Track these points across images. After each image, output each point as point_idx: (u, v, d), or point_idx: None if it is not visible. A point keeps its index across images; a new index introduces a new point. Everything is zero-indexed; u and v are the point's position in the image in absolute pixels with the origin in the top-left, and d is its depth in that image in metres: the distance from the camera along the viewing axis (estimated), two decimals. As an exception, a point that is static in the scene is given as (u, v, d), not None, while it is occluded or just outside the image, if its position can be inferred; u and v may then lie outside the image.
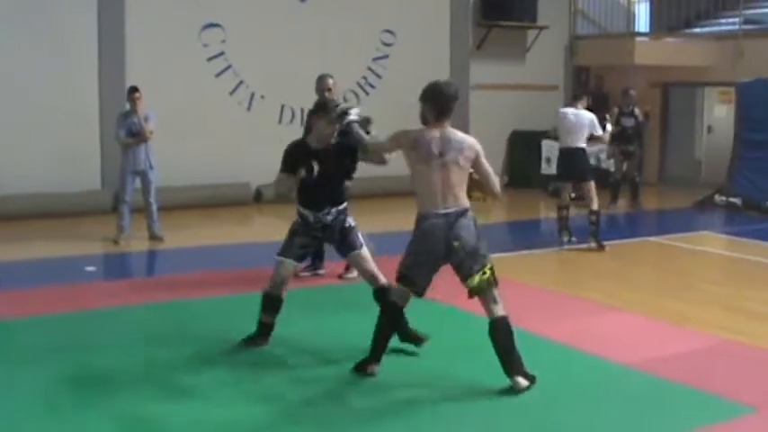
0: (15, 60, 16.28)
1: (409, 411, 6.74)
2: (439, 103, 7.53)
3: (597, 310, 9.88)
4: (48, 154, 16.41)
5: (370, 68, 20.07)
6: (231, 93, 18.37)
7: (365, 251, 8.32)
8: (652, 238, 14.92)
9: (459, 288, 7.44)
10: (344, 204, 8.38)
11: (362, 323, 7.85)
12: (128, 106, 13.72)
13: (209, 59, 18.21)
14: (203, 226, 15.89)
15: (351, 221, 8.34)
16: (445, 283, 7.86)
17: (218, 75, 18.29)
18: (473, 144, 7.51)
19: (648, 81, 21.84)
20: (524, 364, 7.12)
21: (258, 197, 18.28)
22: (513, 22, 21.27)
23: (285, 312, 8.25)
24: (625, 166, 18.37)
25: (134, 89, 13.68)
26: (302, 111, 18.25)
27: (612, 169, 18.91)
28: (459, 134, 7.53)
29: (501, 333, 7.13)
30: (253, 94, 18.61)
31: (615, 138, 18.33)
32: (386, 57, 20.22)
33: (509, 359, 7.09)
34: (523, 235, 14.35)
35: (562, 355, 8.14)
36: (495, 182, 7.79)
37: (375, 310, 7.66)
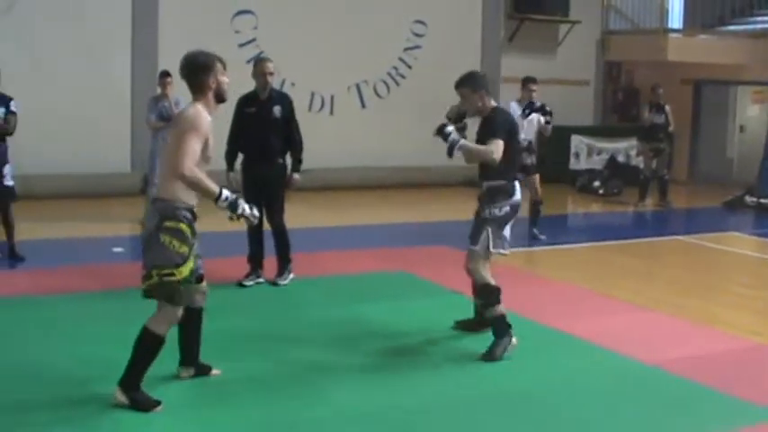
0: (50, 43, 16.37)
1: (438, 406, 6.72)
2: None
3: (624, 308, 9.82)
4: (79, 135, 16.48)
5: (400, 58, 20.05)
6: (262, 79, 18.36)
7: None
8: (680, 237, 14.84)
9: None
10: None
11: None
12: (159, 90, 13.74)
13: (241, 46, 18.23)
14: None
15: None
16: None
17: (249, 61, 18.24)
18: None
19: (681, 78, 21.73)
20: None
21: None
22: (545, 15, 21.24)
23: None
24: (654, 164, 18.22)
25: (166, 74, 13.69)
26: (332, 98, 18.32)
27: (642, 166, 18.81)
28: None
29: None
30: (283, 81, 18.58)
31: (645, 135, 18.25)
32: (417, 47, 20.20)
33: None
34: (550, 230, 14.28)
35: (587, 353, 8.09)
36: None
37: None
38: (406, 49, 20.13)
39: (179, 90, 13.92)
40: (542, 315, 9.10)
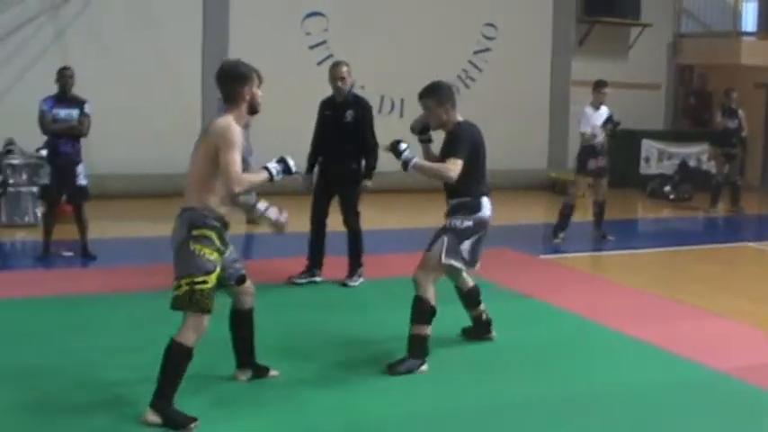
0: (123, 47, 16.59)
1: (507, 409, 6.72)
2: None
3: (693, 314, 9.73)
4: (150, 137, 16.66)
5: (470, 61, 20.05)
6: (332, 82, 18.45)
7: None
8: (752, 244, 14.68)
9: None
10: None
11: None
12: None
13: (312, 48, 18.35)
14: (296, 212, 16.00)
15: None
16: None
17: (319, 63, 18.38)
18: None
19: (753, 82, 21.47)
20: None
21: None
22: (615, 18, 21.10)
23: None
24: (726, 169, 18.03)
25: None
26: (402, 101, 18.33)
27: (713, 171, 18.63)
28: None
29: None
30: (353, 84, 18.62)
31: (717, 139, 18.08)
32: (487, 50, 20.17)
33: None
34: (620, 234, 14.21)
35: (656, 358, 8.04)
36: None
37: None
38: (476, 52, 20.12)
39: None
40: (610, 319, 9.06)
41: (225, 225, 6.38)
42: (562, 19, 20.98)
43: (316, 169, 10.52)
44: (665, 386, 7.31)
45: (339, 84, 10.68)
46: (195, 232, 6.18)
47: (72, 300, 9.32)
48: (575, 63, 21.00)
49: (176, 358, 6.14)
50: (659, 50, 22.36)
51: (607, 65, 21.08)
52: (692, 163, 21.10)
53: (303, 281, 10.31)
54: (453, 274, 7.83)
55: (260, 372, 7.09)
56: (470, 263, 7.59)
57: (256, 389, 6.89)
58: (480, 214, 7.55)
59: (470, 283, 8.08)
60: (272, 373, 7.14)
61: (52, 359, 7.41)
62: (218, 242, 6.26)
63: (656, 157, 21.24)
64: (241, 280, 6.74)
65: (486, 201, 7.62)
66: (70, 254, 11.87)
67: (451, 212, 7.60)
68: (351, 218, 10.39)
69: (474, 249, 7.54)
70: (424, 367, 7.34)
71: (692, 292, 10.87)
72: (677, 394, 7.15)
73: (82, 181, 11.56)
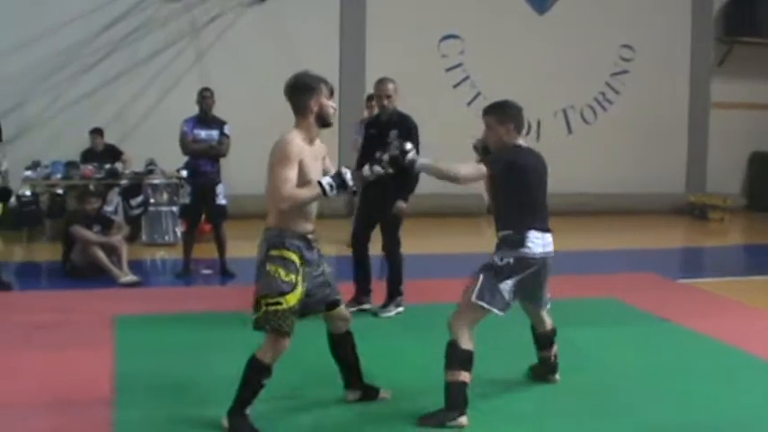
0: (261, 68, 16.80)
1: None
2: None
3: None
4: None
5: (608, 83, 19.87)
6: (469, 104, 18.50)
7: None
8: None
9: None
10: None
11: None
12: (365, 114, 13.95)
13: (448, 70, 18.40)
14: (439, 234, 16.07)
15: None
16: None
17: (455, 85, 18.47)
18: None
19: None
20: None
21: (489, 209, 18.29)
22: (757, 38, 20.63)
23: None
24: None
25: (372, 97, 13.91)
26: (538, 122, 18.29)
27: None
28: None
29: None
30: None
31: None
32: (625, 72, 19.97)
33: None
34: (761, 259, 13.90)
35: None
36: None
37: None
38: (613, 74, 19.94)
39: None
40: (752, 345, 8.85)
41: (308, 242, 6.34)
42: (701, 39, 20.63)
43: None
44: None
45: (385, 102, 10.13)
46: (273, 252, 6.20)
47: (212, 317, 9.47)
48: (714, 84, 20.66)
49: (253, 374, 6.24)
50: (802, 70, 21.86)
51: (748, 86, 20.74)
52: None
53: (352, 309, 9.04)
54: (528, 311, 7.29)
55: (369, 393, 6.95)
56: (507, 307, 6.70)
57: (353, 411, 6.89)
58: (524, 250, 6.69)
59: (548, 324, 7.39)
60: (383, 394, 6.99)
61: (191, 373, 7.54)
62: (297, 264, 6.20)
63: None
64: (332, 305, 6.66)
65: (533, 235, 6.73)
66: (209, 272, 12.09)
67: (496, 247, 6.84)
68: (388, 242, 9.91)
69: (515, 291, 6.69)
70: (461, 419, 6.48)
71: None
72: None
73: (221, 200, 11.77)
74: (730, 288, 12.00)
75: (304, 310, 6.33)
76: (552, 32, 19.00)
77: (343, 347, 6.86)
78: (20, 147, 15.67)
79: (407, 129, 9.87)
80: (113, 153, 15.16)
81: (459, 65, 18.56)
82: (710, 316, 10.18)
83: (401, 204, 9.83)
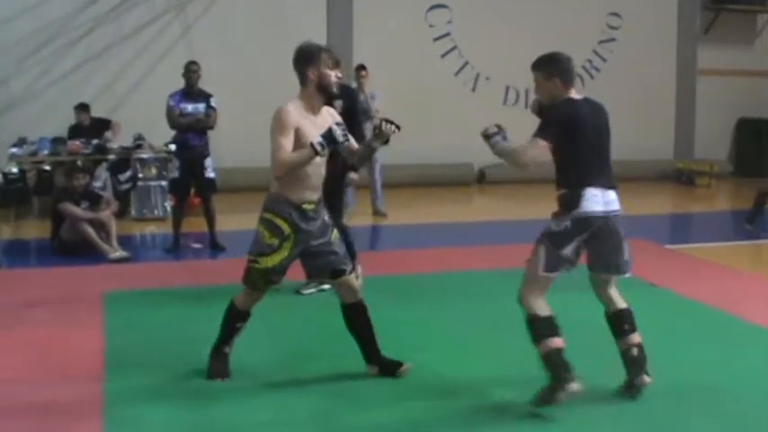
0: (248, 42, 16.84)
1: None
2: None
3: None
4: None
5: (595, 51, 19.88)
6: (456, 73, 18.54)
7: None
8: None
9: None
10: None
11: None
12: (354, 84, 13.93)
13: (435, 40, 18.40)
14: (425, 204, 16.08)
15: None
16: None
17: (443, 55, 18.45)
18: None
19: None
20: None
21: (481, 178, 18.32)
22: (742, 5, 20.67)
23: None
24: None
25: (361, 67, 13.93)
26: (527, 92, 18.27)
27: None
28: None
29: None
30: (478, 75, 18.69)
31: None
32: (612, 40, 20.00)
33: None
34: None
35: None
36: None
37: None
38: (600, 42, 19.95)
39: (375, 83, 14.22)
40: (741, 309, 8.87)
41: (303, 212, 6.47)
42: (687, 7, 20.66)
43: None
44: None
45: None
46: (265, 215, 6.49)
47: (202, 291, 9.47)
48: (700, 51, 20.67)
49: (230, 315, 6.78)
50: (789, 37, 21.86)
51: (734, 53, 20.76)
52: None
53: (310, 291, 9.29)
54: (594, 284, 6.68)
55: (388, 367, 6.86)
56: (573, 266, 6.34)
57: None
58: (581, 210, 6.21)
59: (619, 302, 6.71)
60: (404, 368, 6.86)
61: (181, 347, 7.55)
62: (285, 231, 6.42)
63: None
64: (337, 273, 6.70)
65: (590, 192, 6.24)
66: (199, 246, 12.10)
67: (555, 210, 6.38)
68: (334, 216, 8.77)
69: (577, 252, 6.30)
70: (573, 386, 6.09)
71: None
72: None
73: (210, 174, 11.77)
74: (717, 253, 12.07)
75: (311, 272, 6.80)
76: (539, 1, 18.97)
77: (354, 319, 6.86)
78: (6, 123, 15.65)
79: (351, 99, 9.76)
80: (101, 126, 15.09)
81: (446, 34, 18.54)
82: (698, 281, 10.23)
83: (354, 175, 9.73)
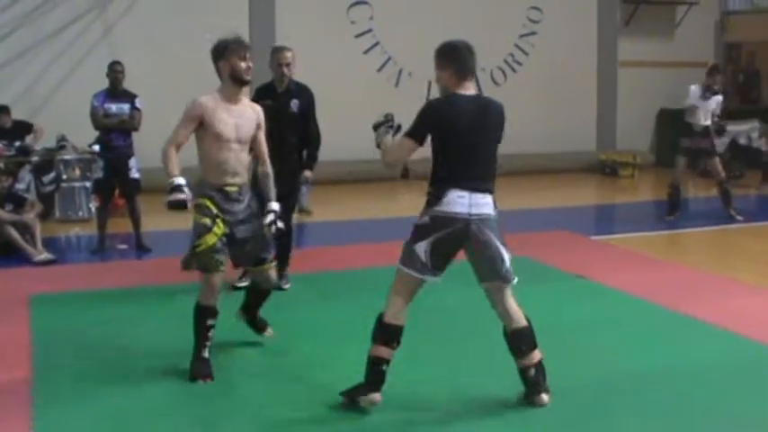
0: (171, 40, 16.73)
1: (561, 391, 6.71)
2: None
3: (746, 291, 9.68)
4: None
5: (516, 45, 20.00)
6: (379, 69, 18.58)
7: None
8: (803, 220, 14.56)
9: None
10: None
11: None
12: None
13: (357, 36, 18.41)
14: (351, 201, 16.12)
15: None
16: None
17: (366, 51, 18.48)
18: None
19: (803, 58, 21.28)
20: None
21: (405, 174, 18.39)
22: (661, -2, 20.95)
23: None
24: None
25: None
26: (448, 87, 18.30)
27: (764, 149, 18.50)
28: None
29: None
30: (401, 71, 18.73)
31: (766, 116, 17.96)
32: (533, 33, 20.12)
33: None
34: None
35: (709, 336, 8.00)
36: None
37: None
38: (521, 36, 20.07)
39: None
40: (663, 298, 9.05)
41: (225, 194, 6.95)
42: (607, 0, 20.86)
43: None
44: (722, 364, 7.27)
45: (285, 70, 9.52)
46: (197, 201, 6.95)
47: (128, 292, 9.44)
48: (621, 43, 20.90)
49: (199, 317, 6.91)
50: (706, 29, 22.12)
51: (654, 44, 21.02)
52: (742, 141, 20.84)
53: (244, 284, 8.82)
54: (490, 299, 6.39)
55: (259, 324, 7.65)
56: (427, 269, 6.06)
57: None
58: (438, 208, 6.03)
59: (517, 320, 6.38)
60: (268, 332, 7.66)
61: (109, 349, 7.55)
62: (212, 210, 6.88)
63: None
64: (259, 262, 7.17)
65: (453, 194, 6.01)
66: (125, 247, 12.04)
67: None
68: (286, 216, 8.76)
69: (433, 253, 6.04)
70: (373, 396, 6.12)
71: (746, 269, 10.83)
72: (732, 371, 7.12)
73: (134, 174, 11.75)
74: (640, 242, 12.27)
75: (235, 260, 7.17)
76: (461, -4, 19.08)
77: (257, 298, 7.53)
78: (-74, 127, 15.41)
79: (309, 98, 9.71)
80: (23, 128, 14.92)
81: (368, 30, 18.56)
82: (622, 270, 10.40)
83: (308, 174, 9.80)
